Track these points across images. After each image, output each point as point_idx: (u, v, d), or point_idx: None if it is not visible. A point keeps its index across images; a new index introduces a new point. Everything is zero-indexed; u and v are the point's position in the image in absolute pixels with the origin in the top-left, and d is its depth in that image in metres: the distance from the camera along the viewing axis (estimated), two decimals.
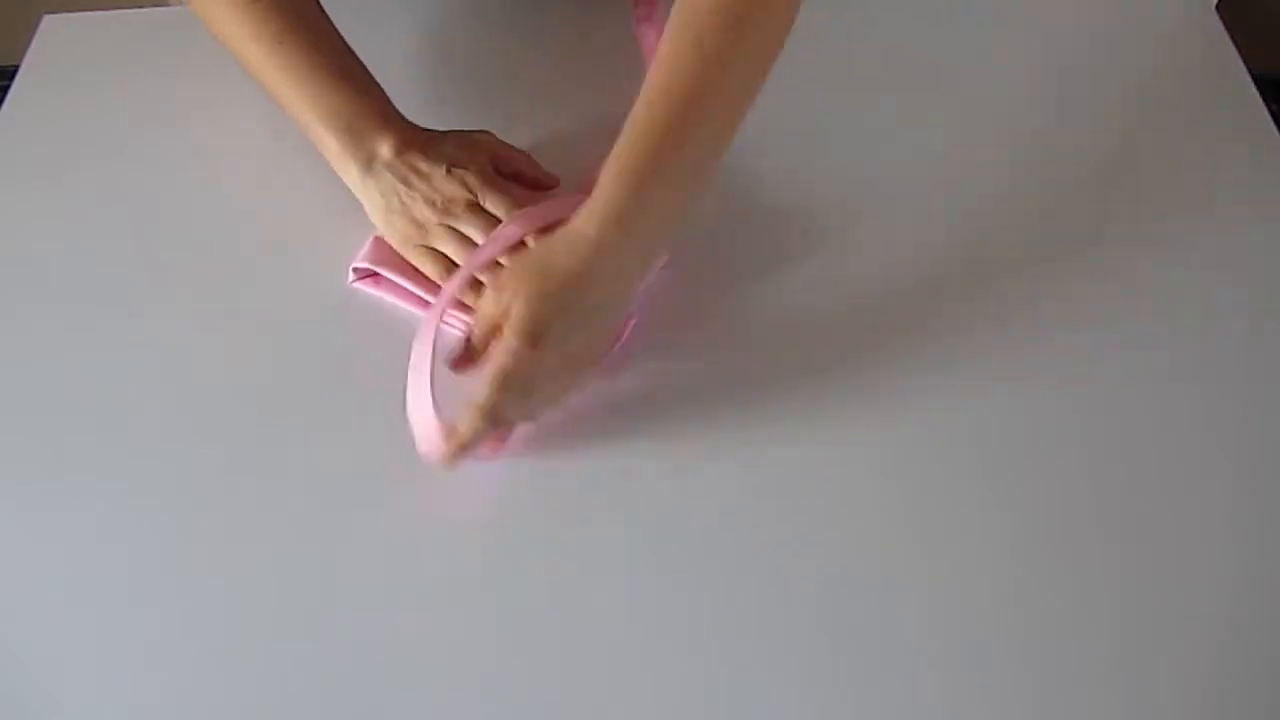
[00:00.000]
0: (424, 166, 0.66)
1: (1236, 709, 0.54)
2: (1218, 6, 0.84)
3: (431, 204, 0.66)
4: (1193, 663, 0.55)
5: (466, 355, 0.59)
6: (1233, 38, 0.81)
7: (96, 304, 0.71)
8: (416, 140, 0.67)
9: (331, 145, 0.67)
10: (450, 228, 0.66)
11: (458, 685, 0.56)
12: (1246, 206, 0.72)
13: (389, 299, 0.68)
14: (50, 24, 0.88)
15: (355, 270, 0.69)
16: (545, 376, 0.58)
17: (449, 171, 0.66)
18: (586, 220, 0.58)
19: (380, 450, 0.63)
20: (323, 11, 0.70)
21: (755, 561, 0.59)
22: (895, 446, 0.62)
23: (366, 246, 0.69)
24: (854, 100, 0.79)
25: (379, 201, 0.67)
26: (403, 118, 0.68)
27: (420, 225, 0.66)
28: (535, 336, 0.56)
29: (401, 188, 0.66)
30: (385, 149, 0.66)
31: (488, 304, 0.58)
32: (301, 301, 0.70)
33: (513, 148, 0.71)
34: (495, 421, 0.58)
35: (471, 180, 0.66)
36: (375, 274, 0.69)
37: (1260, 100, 0.77)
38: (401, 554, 0.60)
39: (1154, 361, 0.65)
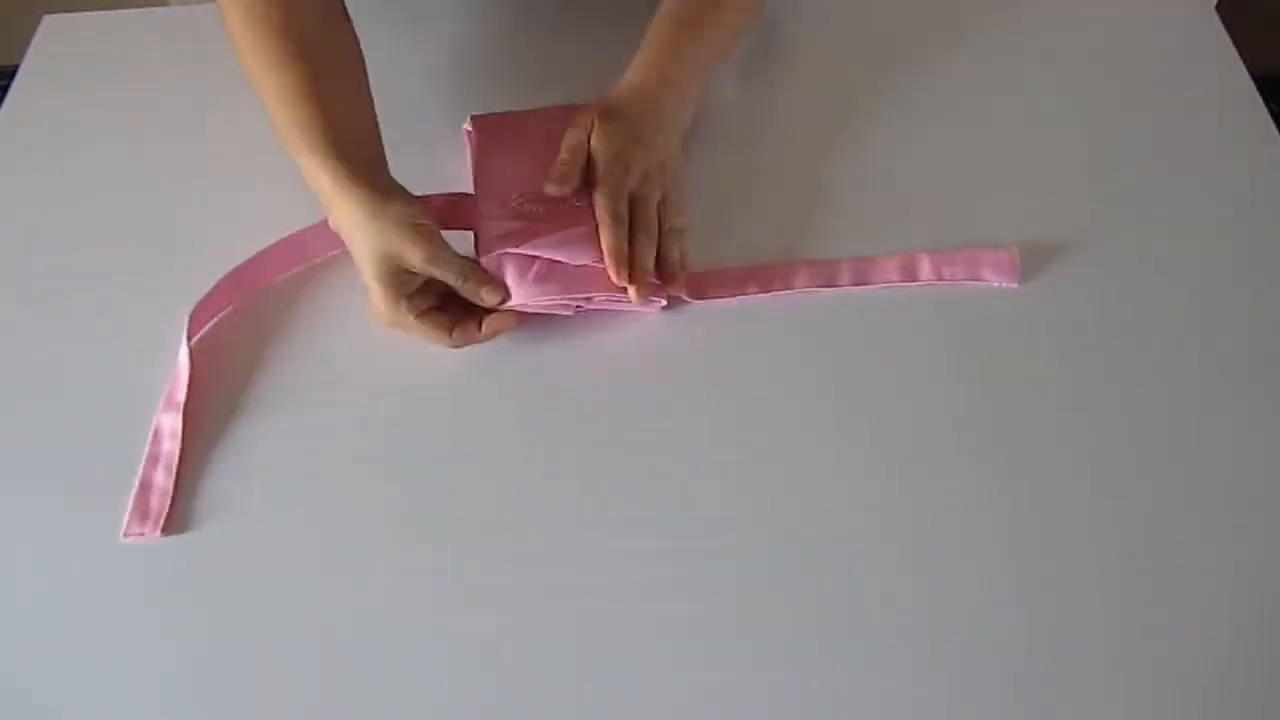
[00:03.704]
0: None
1: (1236, 709, 0.54)
2: (1218, 6, 0.84)
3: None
4: (1192, 663, 0.55)
5: (564, 172, 0.67)
6: (1233, 38, 0.81)
7: (96, 303, 0.71)
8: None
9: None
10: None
11: (457, 684, 0.56)
12: (1246, 206, 0.72)
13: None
14: (50, 24, 0.88)
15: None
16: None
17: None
18: (644, 75, 0.71)
19: (389, 449, 0.63)
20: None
21: (754, 556, 0.59)
22: (894, 445, 0.63)
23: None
24: (852, 103, 0.79)
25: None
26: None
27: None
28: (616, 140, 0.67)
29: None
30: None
31: (572, 136, 0.68)
32: (303, 300, 0.70)
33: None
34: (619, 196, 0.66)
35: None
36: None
37: (1260, 100, 0.77)
38: (400, 553, 0.60)
39: (1154, 361, 0.65)
